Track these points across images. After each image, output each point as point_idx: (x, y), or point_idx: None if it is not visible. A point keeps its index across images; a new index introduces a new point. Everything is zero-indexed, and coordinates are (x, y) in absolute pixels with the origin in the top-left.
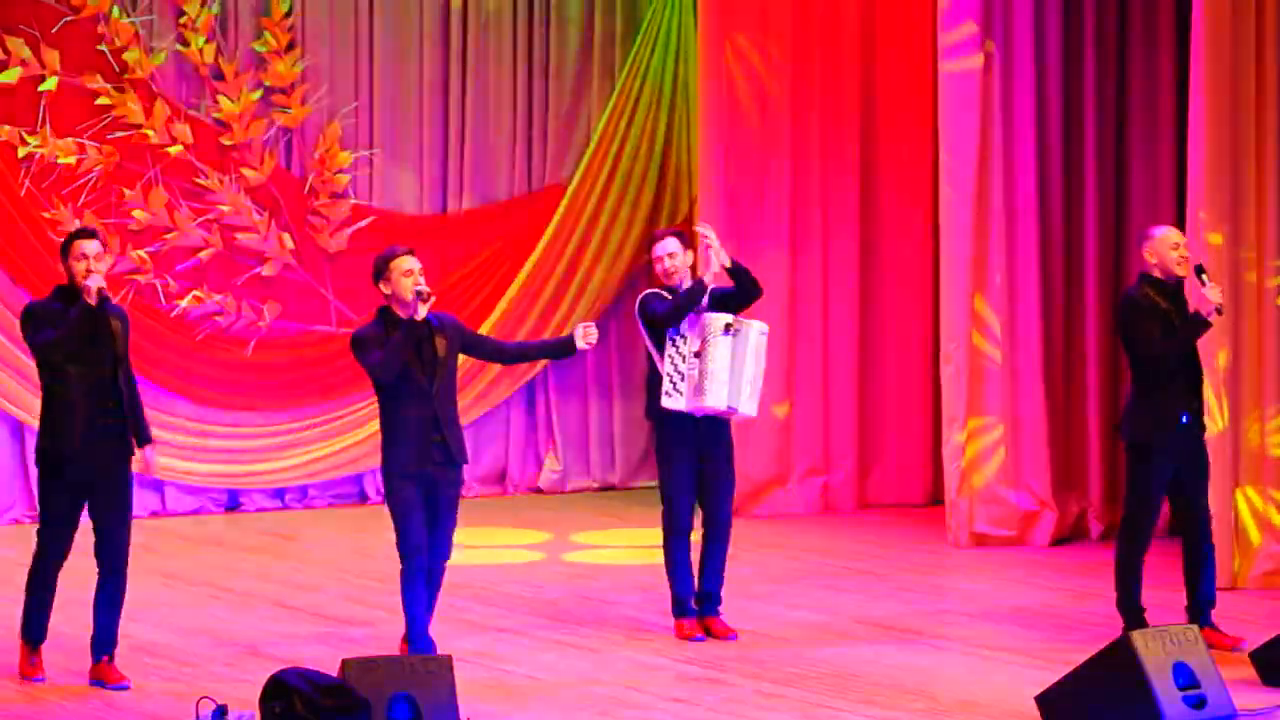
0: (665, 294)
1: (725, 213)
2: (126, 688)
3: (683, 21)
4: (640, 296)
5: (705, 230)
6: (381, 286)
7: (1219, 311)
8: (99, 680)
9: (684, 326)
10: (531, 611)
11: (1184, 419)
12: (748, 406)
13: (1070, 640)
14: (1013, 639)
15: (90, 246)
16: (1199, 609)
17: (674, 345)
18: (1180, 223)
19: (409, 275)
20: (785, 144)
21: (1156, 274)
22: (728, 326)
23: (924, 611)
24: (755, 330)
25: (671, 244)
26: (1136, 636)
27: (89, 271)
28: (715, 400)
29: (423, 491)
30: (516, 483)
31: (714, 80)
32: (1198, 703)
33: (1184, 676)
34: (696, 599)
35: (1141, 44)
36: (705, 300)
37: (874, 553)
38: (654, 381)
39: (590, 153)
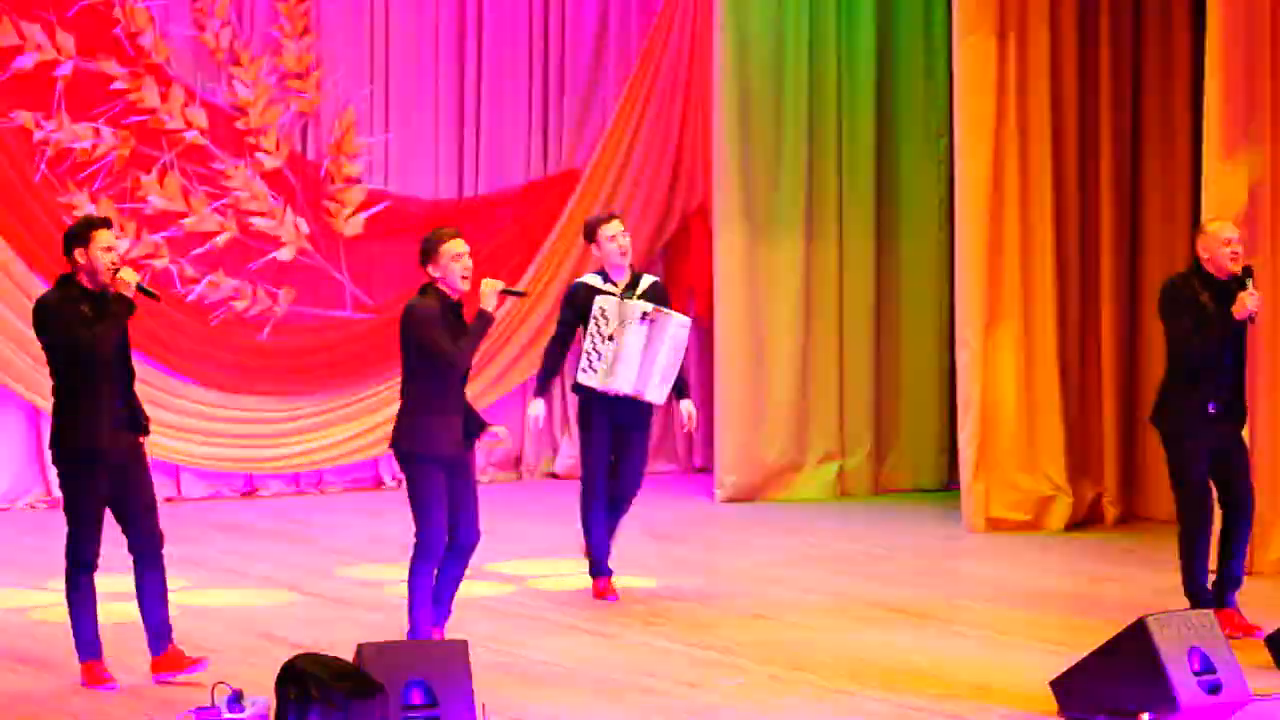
0: (596, 280)
1: (740, 197)
2: (205, 665)
3: (698, 5)
4: (572, 286)
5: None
6: (431, 269)
7: (1251, 320)
8: (168, 672)
9: (607, 309)
10: (545, 598)
11: (1211, 409)
12: (654, 393)
13: (1085, 625)
14: (1027, 623)
15: (112, 237)
16: (1223, 587)
17: (595, 324)
18: (1194, 210)
19: (458, 260)
20: (801, 128)
21: (1209, 268)
22: (644, 315)
23: (939, 596)
24: (674, 322)
25: (620, 224)
26: (1152, 621)
27: (116, 263)
28: (622, 383)
29: (449, 476)
30: (531, 468)
31: (729, 64)
32: (1213, 688)
33: (1199, 662)
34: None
35: (1157, 26)
36: (638, 291)
37: (889, 537)
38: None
39: (606, 137)
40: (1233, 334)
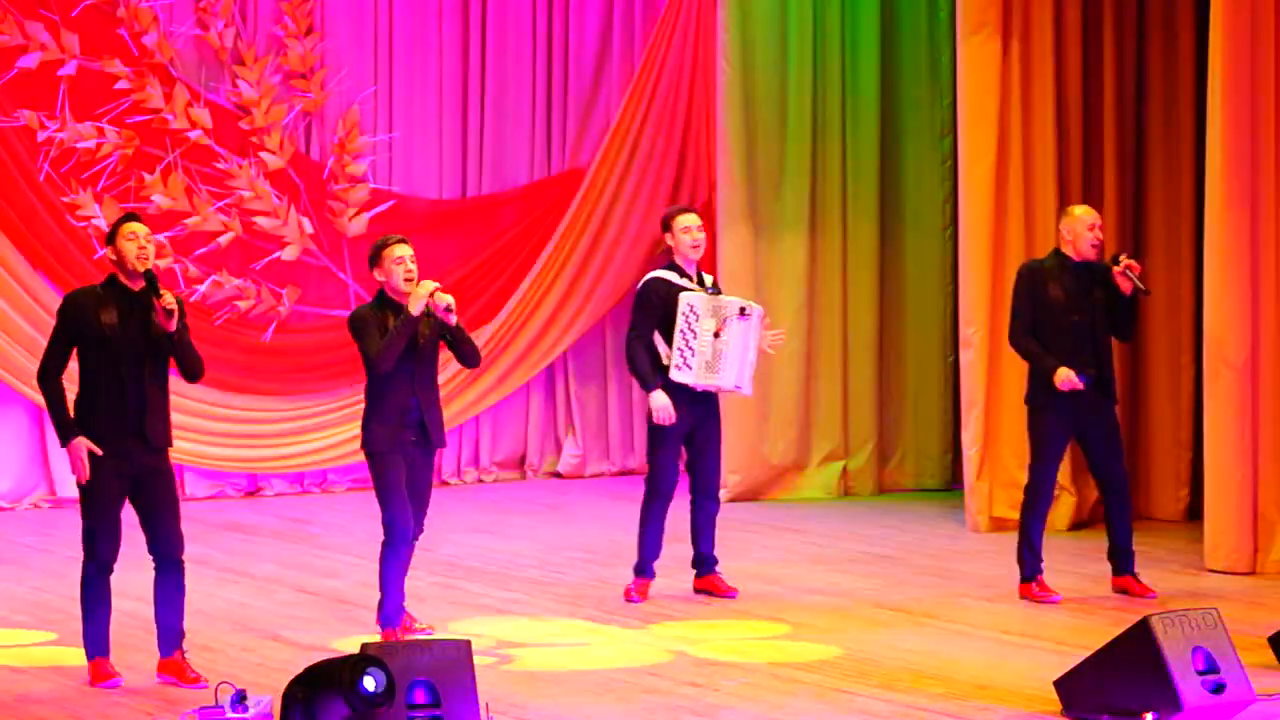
0: (672, 276)
1: (744, 197)
2: (204, 686)
3: (702, 5)
4: (644, 281)
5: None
6: (376, 274)
7: (1142, 292)
8: (171, 676)
9: (696, 305)
10: (550, 597)
11: (1081, 381)
12: (749, 386)
13: (1088, 625)
14: (1031, 623)
15: (141, 228)
16: (1115, 560)
17: (685, 320)
18: (1198, 210)
19: (399, 264)
20: (805, 127)
21: (1068, 250)
22: (743, 310)
23: (942, 596)
24: (758, 315)
25: (696, 218)
26: (1155, 621)
27: (142, 250)
28: (727, 379)
29: (405, 469)
30: (536, 467)
31: (733, 63)
32: (1216, 687)
33: (1203, 661)
34: (696, 562)
35: (1160, 25)
36: (710, 284)
37: (893, 537)
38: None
39: (609, 136)
40: (1093, 313)
